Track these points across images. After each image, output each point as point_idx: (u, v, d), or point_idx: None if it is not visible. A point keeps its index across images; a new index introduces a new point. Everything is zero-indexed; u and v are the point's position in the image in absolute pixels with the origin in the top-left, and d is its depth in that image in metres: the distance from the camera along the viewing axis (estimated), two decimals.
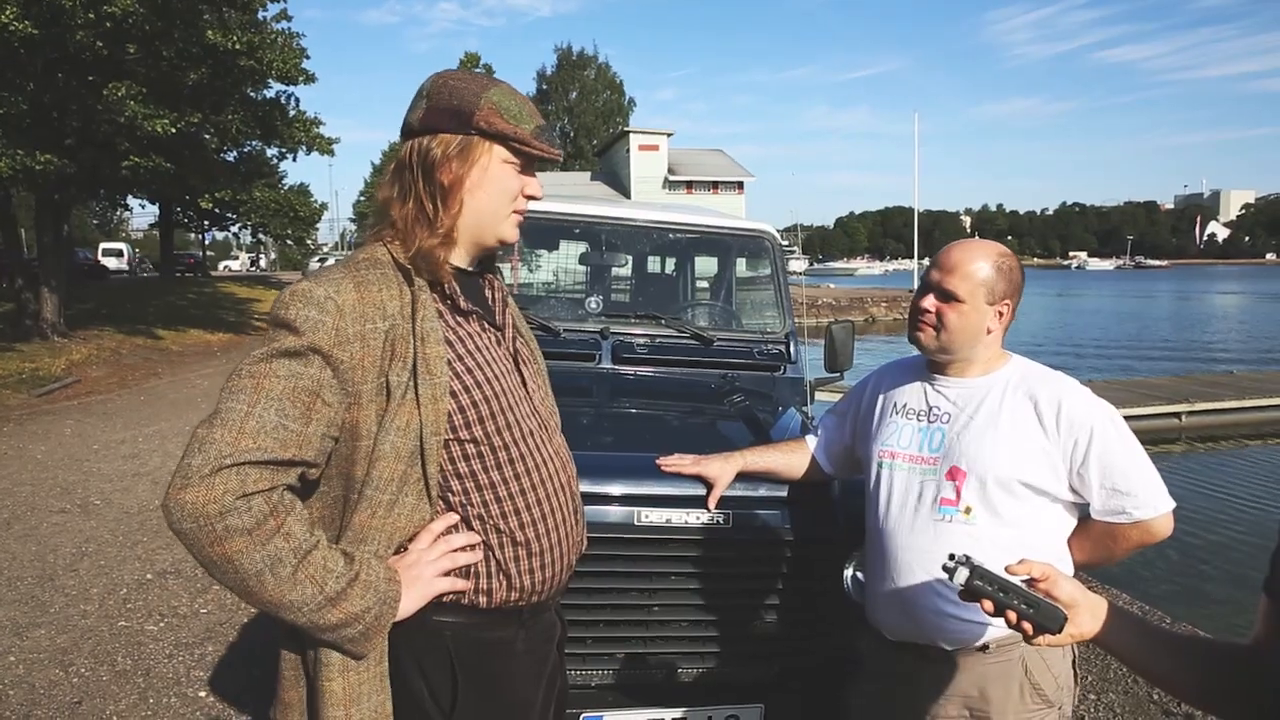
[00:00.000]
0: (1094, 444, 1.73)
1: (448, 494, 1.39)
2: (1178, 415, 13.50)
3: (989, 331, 1.82)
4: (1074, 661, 1.89)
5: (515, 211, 1.49)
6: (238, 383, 1.24)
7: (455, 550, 1.38)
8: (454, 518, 1.40)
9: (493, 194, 1.44)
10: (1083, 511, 1.82)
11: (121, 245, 44.71)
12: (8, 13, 11.21)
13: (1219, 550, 8.15)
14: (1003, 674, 1.79)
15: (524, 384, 1.52)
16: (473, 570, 1.40)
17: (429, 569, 1.35)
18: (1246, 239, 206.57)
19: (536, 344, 1.68)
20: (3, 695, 3.66)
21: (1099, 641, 1.33)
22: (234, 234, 48.14)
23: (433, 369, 1.34)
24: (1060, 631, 1.30)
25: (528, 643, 1.48)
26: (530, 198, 1.50)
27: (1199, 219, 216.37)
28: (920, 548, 1.42)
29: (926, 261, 1.99)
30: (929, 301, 1.81)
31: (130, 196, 23.47)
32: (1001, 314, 1.82)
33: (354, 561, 1.29)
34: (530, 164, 1.47)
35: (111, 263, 39.35)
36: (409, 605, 1.34)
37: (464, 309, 1.44)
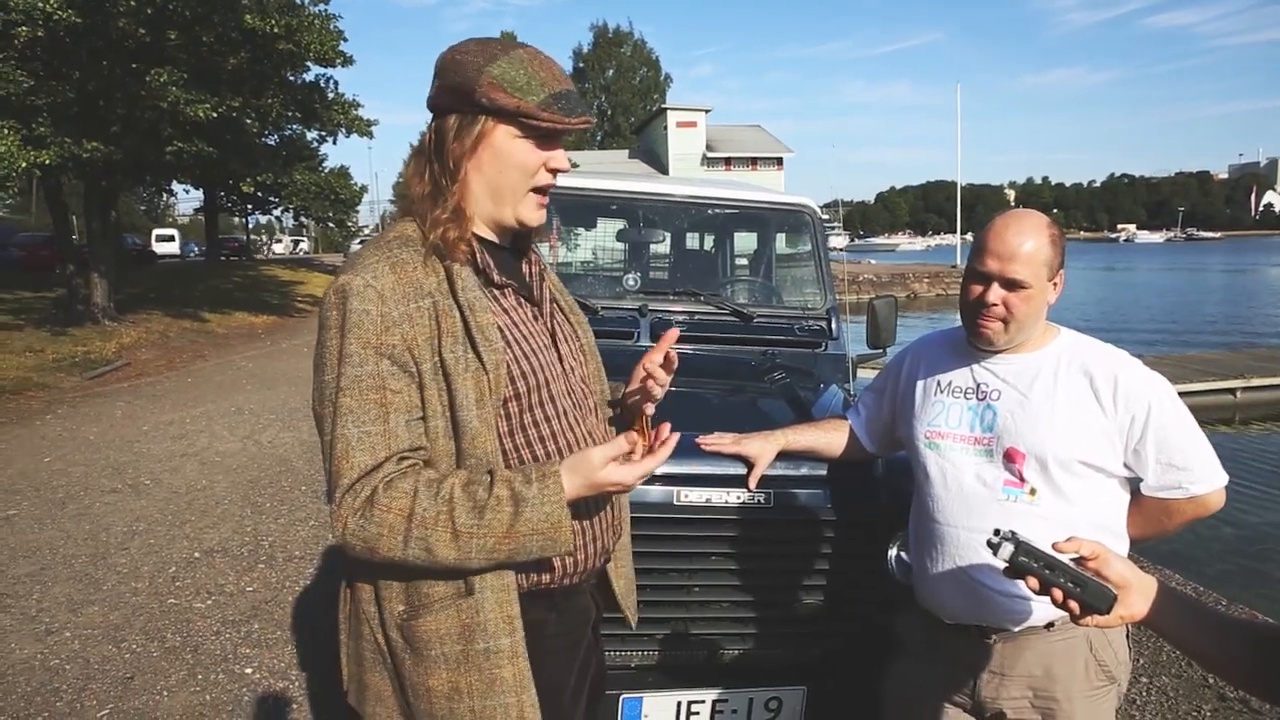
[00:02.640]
0: (1151, 420, 1.68)
1: None
2: (1232, 391, 13.15)
3: (1049, 305, 1.76)
4: (1128, 636, 1.86)
5: (536, 189, 1.42)
6: (321, 411, 1.30)
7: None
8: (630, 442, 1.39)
9: (504, 171, 1.38)
10: (1134, 486, 1.77)
11: (173, 232, 46.48)
12: (52, 2, 11.39)
13: (1276, 529, 7.93)
14: (1068, 651, 1.75)
15: (560, 361, 1.48)
16: None
17: (598, 456, 1.33)
18: None
19: (584, 321, 1.64)
20: (59, 670, 3.75)
21: (1149, 624, 1.28)
22: (276, 217, 48.90)
23: (489, 336, 1.33)
24: (1109, 612, 1.25)
25: (560, 625, 1.47)
26: (554, 171, 1.42)
27: (1255, 189, 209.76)
28: (985, 530, 1.37)
29: (969, 237, 1.90)
30: (995, 294, 1.71)
31: (175, 182, 23.82)
32: (1056, 285, 1.75)
33: (505, 500, 1.29)
34: (551, 136, 1.39)
35: (165, 248, 41.22)
36: (573, 486, 1.32)
37: (498, 282, 1.42)
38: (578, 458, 1.33)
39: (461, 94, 1.34)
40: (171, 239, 43.95)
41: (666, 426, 1.42)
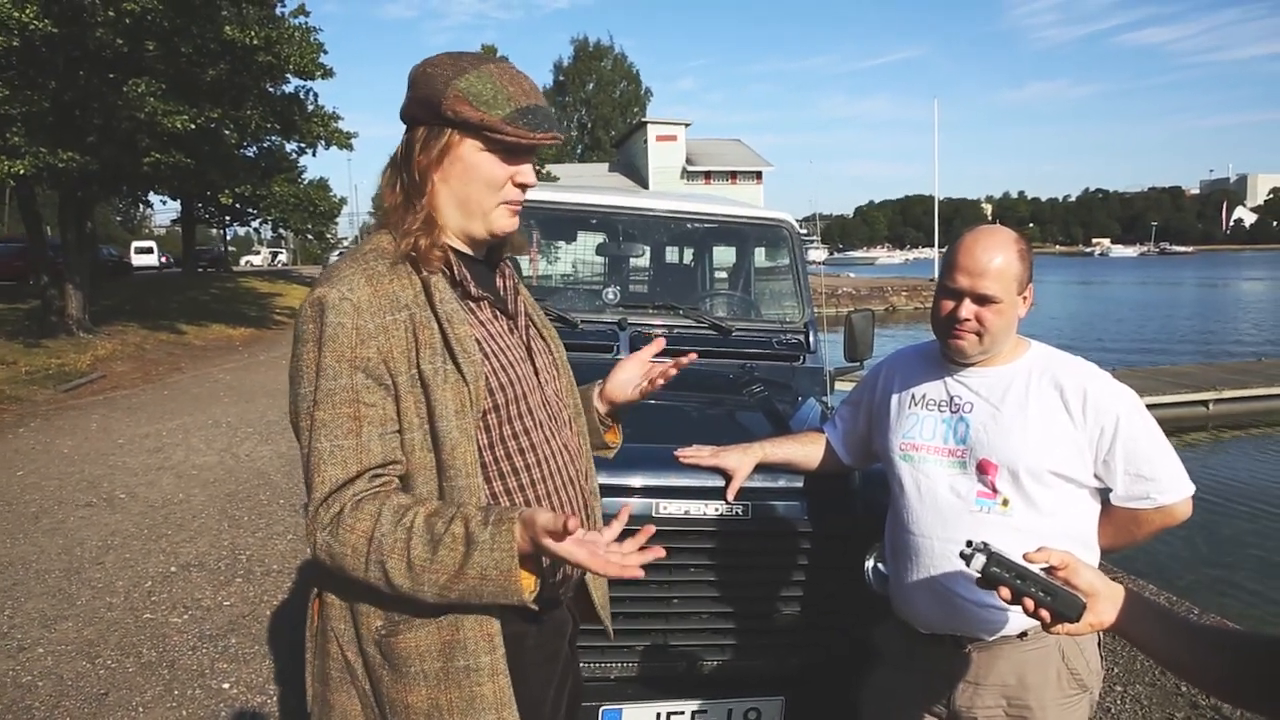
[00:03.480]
0: (1120, 432, 1.72)
1: None
2: (1205, 403, 13.35)
3: (1019, 319, 1.80)
4: (1100, 645, 1.89)
5: (506, 202, 1.42)
6: (298, 424, 1.31)
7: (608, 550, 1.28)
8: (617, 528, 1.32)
9: (471, 183, 1.38)
10: (1104, 497, 1.81)
11: (151, 244, 46.56)
12: (28, 11, 11.31)
13: (1247, 540, 8.04)
14: (1041, 660, 1.78)
15: (536, 374, 1.49)
16: None
17: (541, 519, 1.23)
18: (1275, 224, 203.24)
19: (556, 335, 1.65)
20: (32, 686, 3.71)
21: (1119, 630, 1.31)
22: (255, 229, 48.73)
23: (467, 347, 1.33)
24: (1079, 620, 1.29)
25: (539, 638, 1.46)
26: (521, 185, 1.42)
27: (1225, 204, 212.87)
28: (959, 541, 1.40)
29: (944, 251, 1.93)
30: (967, 309, 1.74)
31: (152, 193, 23.66)
32: (1026, 298, 1.79)
33: (461, 538, 1.24)
34: (518, 150, 1.39)
35: (143, 260, 41.39)
36: (523, 538, 1.24)
37: (474, 294, 1.42)
38: (530, 511, 1.25)
39: (429, 106, 1.35)
40: (150, 251, 44.06)
41: (649, 530, 1.36)
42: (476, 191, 1.39)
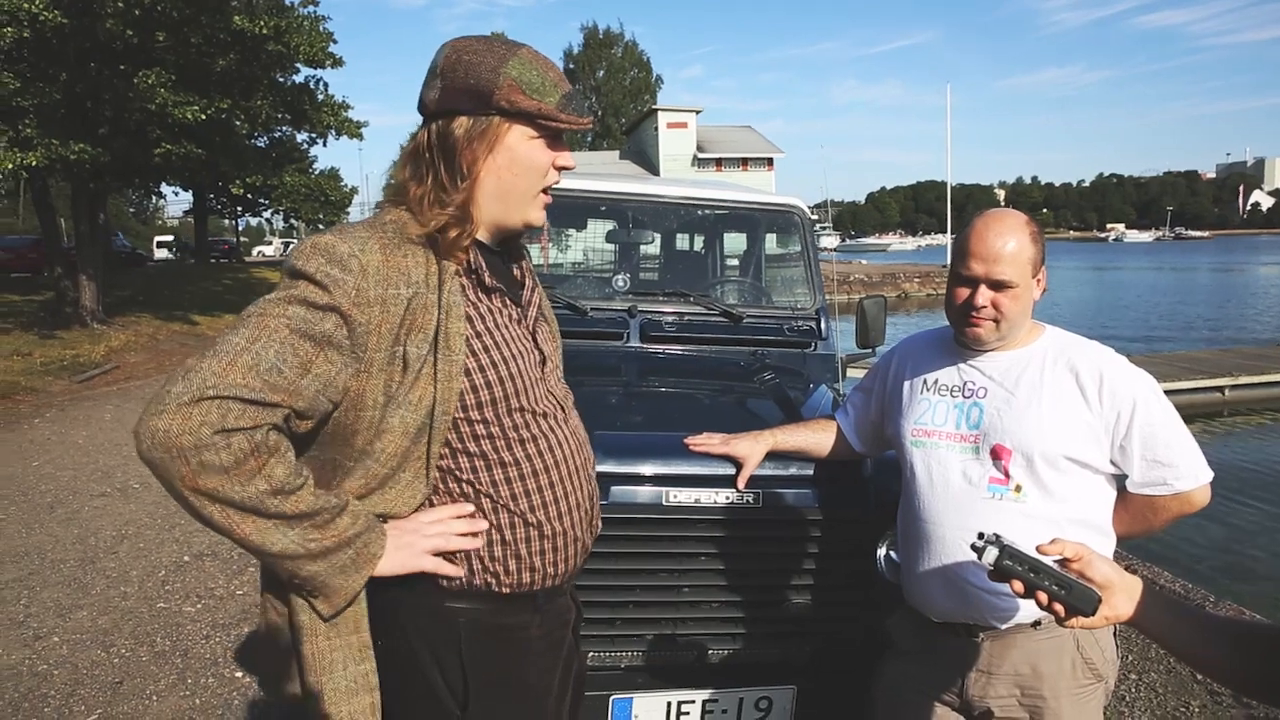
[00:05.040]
0: (1137, 417, 1.69)
1: (455, 471, 1.35)
2: (1220, 389, 13.24)
3: (1034, 301, 1.77)
4: (1115, 634, 1.87)
5: (544, 190, 1.42)
6: (243, 319, 1.20)
7: (455, 533, 1.34)
8: (467, 507, 1.36)
9: (520, 173, 1.37)
10: (1119, 483, 1.78)
11: (172, 237, 47.61)
12: (38, 3, 11.33)
13: (1263, 527, 7.98)
14: (1055, 650, 1.75)
15: (543, 364, 1.48)
16: (484, 553, 1.37)
17: (421, 539, 1.31)
18: None
19: (557, 326, 1.64)
20: (47, 675, 3.73)
21: (1134, 624, 1.29)
22: (267, 219, 49.07)
23: (452, 345, 1.30)
24: (1094, 614, 1.26)
25: (543, 628, 1.45)
26: (562, 169, 1.43)
27: (1242, 188, 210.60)
28: (971, 528, 1.38)
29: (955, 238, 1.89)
30: (983, 296, 1.72)
31: (164, 184, 23.75)
32: (1039, 281, 1.76)
33: (340, 497, 1.26)
34: (559, 135, 1.39)
35: (165, 252, 43.12)
36: (391, 563, 1.29)
37: (489, 285, 1.39)
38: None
39: (476, 95, 1.31)
40: (171, 244, 45.00)
41: None
42: (525, 180, 1.38)
